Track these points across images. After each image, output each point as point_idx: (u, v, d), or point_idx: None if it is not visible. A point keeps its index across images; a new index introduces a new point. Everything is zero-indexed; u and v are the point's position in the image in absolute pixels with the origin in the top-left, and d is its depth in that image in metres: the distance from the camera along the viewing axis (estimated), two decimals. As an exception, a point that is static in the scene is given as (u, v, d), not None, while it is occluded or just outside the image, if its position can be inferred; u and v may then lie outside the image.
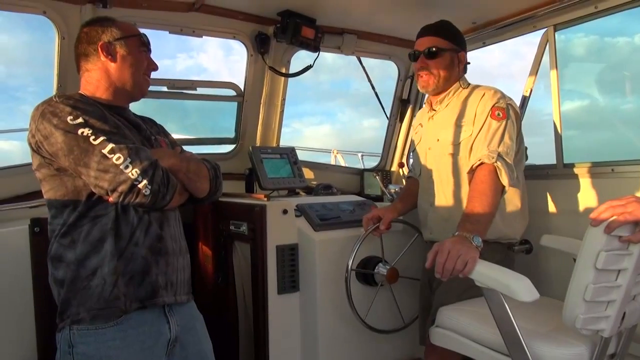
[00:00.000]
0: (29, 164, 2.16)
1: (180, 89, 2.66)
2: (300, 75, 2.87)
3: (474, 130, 1.98)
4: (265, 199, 2.22)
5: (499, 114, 1.95)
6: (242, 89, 2.85)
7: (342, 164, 5.69)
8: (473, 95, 2.06)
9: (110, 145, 1.33)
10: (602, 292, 1.36)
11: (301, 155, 2.91)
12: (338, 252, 2.20)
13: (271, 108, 2.94)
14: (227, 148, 2.98)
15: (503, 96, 2.01)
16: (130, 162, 1.33)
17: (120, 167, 1.32)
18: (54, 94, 1.41)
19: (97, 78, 1.50)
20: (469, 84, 2.15)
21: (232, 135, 2.98)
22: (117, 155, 1.33)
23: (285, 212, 2.17)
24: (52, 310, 1.51)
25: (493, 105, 1.97)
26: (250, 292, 2.23)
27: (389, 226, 2.20)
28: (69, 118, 1.34)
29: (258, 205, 2.14)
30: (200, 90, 2.74)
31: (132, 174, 1.33)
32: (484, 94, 2.02)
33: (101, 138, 1.34)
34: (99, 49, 1.48)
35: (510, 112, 1.98)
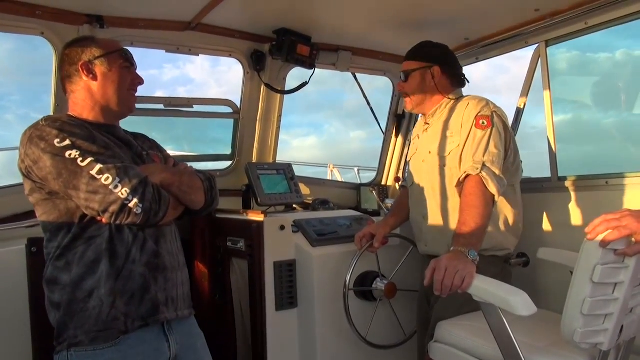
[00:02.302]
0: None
1: (176, 106, 2.68)
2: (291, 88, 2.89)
3: (461, 141, 1.99)
4: (263, 215, 2.23)
5: (483, 122, 1.95)
6: (239, 106, 2.87)
7: (339, 178, 5.71)
8: (459, 106, 2.08)
9: (99, 166, 1.33)
10: (599, 306, 1.37)
11: (297, 170, 2.92)
12: (336, 268, 2.20)
13: (267, 124, 2.96)
14: (224, 164, 2.99)
15: (487, 104, 2.01)
16: (120, 182, 1.32)
17: (110, 187, 1.32)
18: (41, 118, 1.40)
19: (82, 98, 1.50)
20: (461, 96, 2.16)
21: (225, 148, 3.00)
22: (106, 175, 1.32)
23: (282, 228, 2.17)
24: (49, 330, 1.49)
25: (477, 114, 1.97)
26: (248, 309, 2.23)
27: (384, 241, 2.21)
28: (55, 141, 1.33)
29: (255, 222, 2.14)
30: (197, 108, 2.76)
31: (122, 194, 1.32)
32: (468, 104, 2.03)
33: (89, 159, 1.33)
34: (80, 68, 1.47)
35: (495, 120, 1.97)
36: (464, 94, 2.20)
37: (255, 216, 2.22)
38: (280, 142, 3.07)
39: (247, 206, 2.75)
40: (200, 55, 2.65)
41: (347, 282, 2.13)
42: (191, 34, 2.49)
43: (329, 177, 5.75)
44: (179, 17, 2.37)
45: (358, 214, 2.68)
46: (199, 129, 3.10)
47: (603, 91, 2.96)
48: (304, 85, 2.85)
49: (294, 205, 2.88)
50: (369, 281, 2.25)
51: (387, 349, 2.28)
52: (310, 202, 2.99)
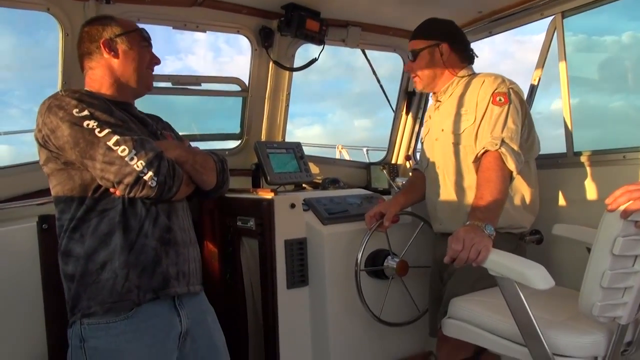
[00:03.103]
0: (36, 162, 2.20)
1: (184, 84, 2.65)
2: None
3: (476, 117, 1.96)
4: (273, 193, 2.21)
5: (500, 99, 1.92)
6: (247, 84, 2.83)
7: (347, 158, 5.67)
8: (473, 83, 2.04)
9: (115, 137, 1.33)
10: (619, 279, 1.35)
11: (305, 152, 2.89)
12: (347, 246, 2.19)
13: (276, 102, 2.92)
14: (233, 144, 2.96)
15: (504, 80, 1.98)
16: (136, 154, 1.33)
17: (126, 159, 1.32)
18: (60, 89, 1.41)
19: (100, 75, 1.51)
20: (473, 73, 2.12)
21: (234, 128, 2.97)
22: (122, 147, 1.33)
23: (293, 206, 2.15)
24: (61, 307, 1.50)
25: (494, 91, 1.94)
26: (259, 287, 2.22)
27: (395, 219, 2.18)
28: (74, 111, 1.34)
29: (265, 200, 2.12)
30: (205, 86, 2.73)
31: (138, 166, 1.33)
32: (484, 81, 2.00)
33: (106, 130, 1.34)
34: (101, 45, 1.49)
35: (512, 96, 1.94)
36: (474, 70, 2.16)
37: (265, 194, 2.21)
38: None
39: (256, 185, 2.74)
40: (207, 32, 2.61)
41: (359, 261, 2.11)
42: (198, 9, 2.44)
43: (337, 157, 5.72)
44: (186, -8, 2.33)
45: (368, 192, 2.66)
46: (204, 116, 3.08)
47: (614, 71, 2.89)
48: (314, 62, 2.80)
49: (304, 184, 2.85)
50: (380, 259, 2.24)
51: (401, 326, 2.28)
52: (320, 181, 2.96)
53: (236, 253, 2.38)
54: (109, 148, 1.32)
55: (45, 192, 2.12)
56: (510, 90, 1.96)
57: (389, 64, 3.22)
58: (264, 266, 2.14)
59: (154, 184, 1.34)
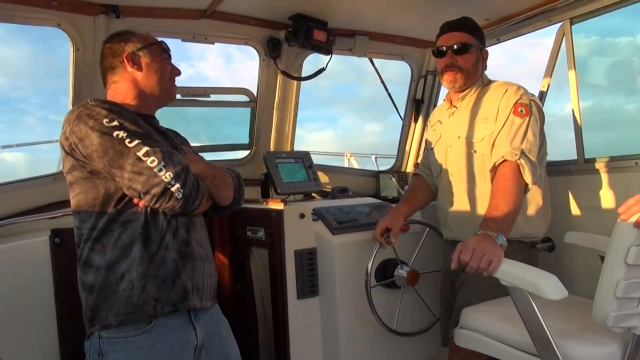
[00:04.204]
0: (49, 175, 2.24)
1: (193, 96, 2.67)
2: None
3: (496, 127, 1.95)
4: (282, 203, 2.21)
5: (521, 111, 1.92)
6: (255, 94, 2.84)
7: (356, 166, 5.67)
8: (495, 91, 2.03)
9: (145, 149, 1.35)
10: (633, 288, 1.33)
11: (314, 160, 2.89)
12: (357, 255, 2.18)
13: (284, 112, 2.94)
14: (242, 154, 2.98)
15: (526, 92, 1.98)
16: (164, 166, 1.34)
17: (154, 169, 1.33)
18: (89, 99, 1.42)
19: (125, 88, 1.53)
20: (490, 80, 2.12)
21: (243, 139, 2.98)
22: (152, 158, 1.34)
23: (302, 216, 2.15)
24: (74, 321, 1.51)
25: (516, 102, 1.94)
26: (270, 297, 2.22)
27: (404, 229, 2.18)
28: (105, 120, 1.35)
29: (275, 210, 2.13)
30: (213, 97, 2.75)
31: (166, 177, 1.34)
32: (506, 90, 1.99)
33: (136, 141, 1.35)
34: (124, 60, 1.52)
35: (534, 109, 1.95)
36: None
37: (275, 205, 2.21)
38: (296, 136, 3.06)
39: (265, 195, 2.74)
40: (216, 43, 2.63)
41: (369, 271, 2.10)
42: (207, 22, 2.47)
43: (346, 165, 5.72)
44: (194, 4, 2.36)
45: (377, 201, 2.66)
46: (215, 122, 3.10)
47: (625, 75, 2.87)
48: (321, 72, 2.82)
49: (313, 194, 2.86)
50: (390, 269, 2.23)
51: (415, 335, 2.27)
52: (329, 190, 2.97)
53: (246, 263, 2.38)
54: (139, 158, 1.33)
55: (58, 205, 2.16)
56: (532, 102, 1.96)
57: (399, 66, 3.21)
58: (274, 276, 2.14)
59: (180, 196, 1.35)
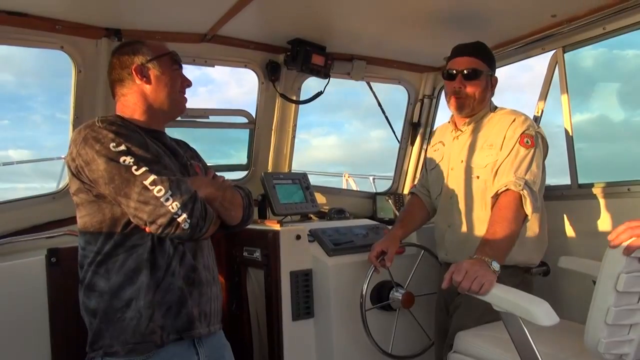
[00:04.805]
0: (48, 194, 2.25)
1: (193, 117, 2.70)
2: (308, 87, 2.91)
3: (500, 154, 1.97)
4: (278, 224, 2.23)
5: (527, 142, 1.94)
6: (254, 116, 2.88)
7: (354, 187, 5.69)
8: (502, 119, 2.04)
9: (152, 177, 1.31)
10: (624, 315, 1.34)
11: (311, 179, 2.92)
12: (352, 277, 2.18)
13: (282, 134, 2.97)
14: (240, 174, 3.00)
15: (533, 124, 2.00)
16: (171, 195, 1.30)
17: (161, 199, 1.30)
18: (96, 118, 1.39)
19: (133, 101, 1.49)
20: (496, 107, 2.14)
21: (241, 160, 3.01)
22: (159, 187, 1.30)
23: (298, 237, 2.16)
24: (68, 341, 1.50)
25: (523, 132, 1.95)
26: (265, 318, 2.22)
27: (400, 251, 2.19)
28: (111, 145, 1.32)
29: (271, 231, 2.14)
30: (212, 119, 2.78)
31: (172, 208, 1.30)
32: (514, 120, 2.00)
33: (143, 169, 1.32)
34: (133, 72, 1.47)
35: (539, 141, 1.97)
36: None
37: (271, 226, 2.22)
38: (300, 141, 3.08)
39: (263, 216, 2.75)
40: (216, 66, 2.67)
41: (364, 293, 2.11)
42: (207, 45, 2.51)
43: (344, 186, 5.74)
44: (195, 29, 2.40)
45: (374, 223, 2.67)
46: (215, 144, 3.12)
47: (627, 92, 2.90)
48: (319, 95, 2.86)
49: (310, 215, 2.87)
50: (385, 292, 2.23)
51: (408, 359, 2.25)
52: (326, 211, 2.98)
53: (242, 283, 2.38)
54: (145, 187, 1.30)
55: (56, 224, 2.17)
56: (538, 134, 1.98)
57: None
58: (270, 297, 2.14)
59: (187, 226, 1.31)
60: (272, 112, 2.90)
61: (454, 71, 2.06)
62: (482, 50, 2.10)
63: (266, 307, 2.19)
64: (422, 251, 2.30)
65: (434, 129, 2.63)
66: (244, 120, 2.89)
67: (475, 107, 2.09)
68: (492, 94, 2.15)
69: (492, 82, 2.12)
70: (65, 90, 2.29)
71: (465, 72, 2.03)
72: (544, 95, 2.57)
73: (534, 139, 1.95)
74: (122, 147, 1.33)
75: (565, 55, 2.40)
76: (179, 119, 2.60)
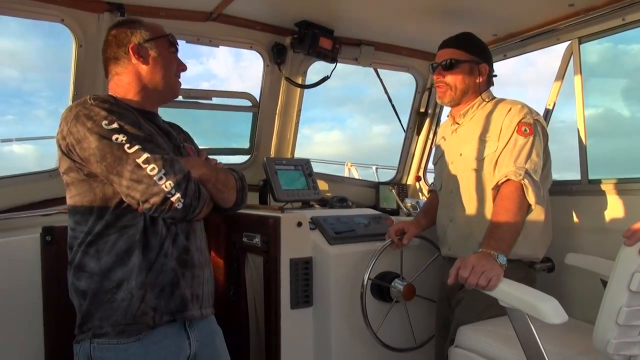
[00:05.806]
0: (45, 172, 2.21)
1: (195, 98, 2.65)
2: (311, 78, 2.85)
3: (499, 145, 1.93)
4: (280, 211, 2.18)
5: (525, 130, 1.90)
6: (258, 100, 2.83)
7: (356, 176, 5.64)
8: (498, 109, 2.01)
9: (145, 155, 1.28)
10: (636, 316, 1.30)
11: (314, 167, 2.87)
12: (353, 267, 2.15)
13: (286, 119, 2.91)
14: (242, 158, 2.95)
15: (530, 111, 1.96)
16: (165, 174, 1.28)
17: (154, 178, 1.27)
18: (88, 96, 1.35)
19: (127, 81, 1.46)
20: (494, 98, 2.10)
21: (244, 142, 2.96)
22: (152, 165, 1.28)
23: (299, 224, 2.12)
24: (61, 320, 1.48)
25: (520, 121, 1.92)
26: (263, 306, 2.18)
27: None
28: (104, 122, 1.28)
29: (272, 217, 2.10)
30: (215, 100, 2.73)
31: (166, 187, 1.28)
32: (510, 109, 1.97)
33: (136, 147, 1.29)
34: (130, 51, 1.44)
35: (538, 128, 1.93)
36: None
37: (272, 212, 2.18)
38: (302, 136, 3.04)
39: (264, 202, 2.71)
40: (220, 46, 2.61)
41: (367, 276, 2.07)
42: (212, 24, 2.45)
43: (346, 175, 5.68)
44: (200, 6, 2.34)
45: (376, 212, 2.63)
46: (219, 123, 3.06)
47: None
48: (326, 80, 2.80)
49: (312, 202, 2.83)
50: (388, 280, 2.20)
51: (398, 351, 2.22)
52: (328, 199, 2.94)
53: (241, 269, 2.35)
54: (138, 166, 1.27)
55: (52, 202, 2.13)
56: (536, 122, 1.94)
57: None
58: (268, 285, 2.11)
59: (180, 205, 1.30)
60: (276, 96, 2.84)
61: (435, 64, 2.10)
62: (464, 40, 2.09)
63: (264, 294, 2.16)
64: (437, 253, 2.27)
65: (441, 120, 2.59)
66: (248, 103, 2.83)
67: (458, 97, 2.08)
68: (487, 83, 2.10)
69: (479, 70, 2.06)
70: (69, 85, 2.24)
71: (443, 63, 2.06)
72: (556, 90, 2.50)
73: (533, 126, 1.91)
74: (115, 125, 1.29)
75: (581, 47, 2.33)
76: (180, 99, 2.59)
